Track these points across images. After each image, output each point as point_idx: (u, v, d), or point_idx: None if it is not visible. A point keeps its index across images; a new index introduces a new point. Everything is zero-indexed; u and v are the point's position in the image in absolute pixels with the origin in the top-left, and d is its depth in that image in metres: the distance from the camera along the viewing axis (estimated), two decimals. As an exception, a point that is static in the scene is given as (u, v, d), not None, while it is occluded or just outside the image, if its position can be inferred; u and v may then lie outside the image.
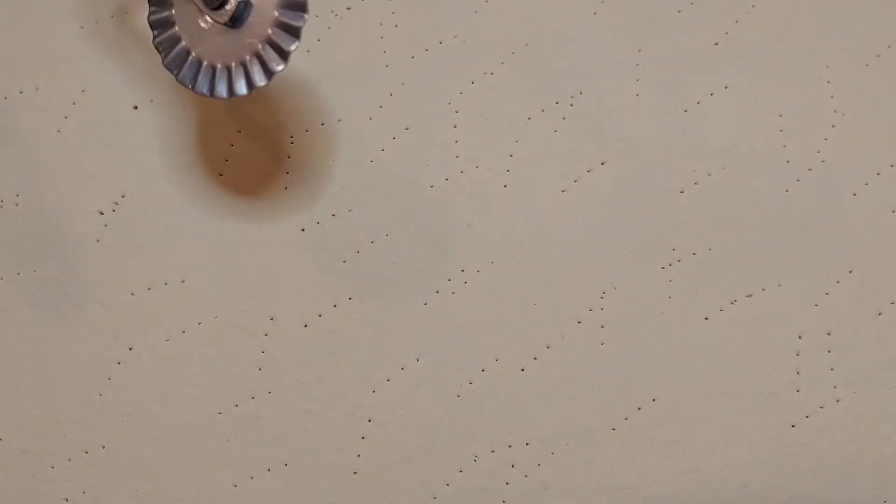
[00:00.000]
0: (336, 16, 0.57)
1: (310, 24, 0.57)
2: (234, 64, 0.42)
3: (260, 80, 0.42)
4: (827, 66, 0.56)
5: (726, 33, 0.56)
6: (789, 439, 0.50)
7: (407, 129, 0.55)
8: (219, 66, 0.42)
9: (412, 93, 0.56)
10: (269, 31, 0.42)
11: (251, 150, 0.55)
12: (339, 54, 0.57)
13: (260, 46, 0.42)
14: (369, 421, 0.51)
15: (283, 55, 0.42)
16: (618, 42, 0.56)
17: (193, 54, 0.42)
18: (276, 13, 0.42)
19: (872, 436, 0.50)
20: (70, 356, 0.52)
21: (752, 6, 0.57)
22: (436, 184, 0.54)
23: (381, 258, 0.53)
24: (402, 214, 0.54)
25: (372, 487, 0.50)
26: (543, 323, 0.52)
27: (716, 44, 0.56)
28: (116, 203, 0.54)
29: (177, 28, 0.42)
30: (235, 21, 0.42)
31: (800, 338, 0.52)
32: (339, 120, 0.56)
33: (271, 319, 0.52)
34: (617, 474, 0.50)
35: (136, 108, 0.55)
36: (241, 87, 0.42)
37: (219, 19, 0.42)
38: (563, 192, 0.54)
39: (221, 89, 0.42)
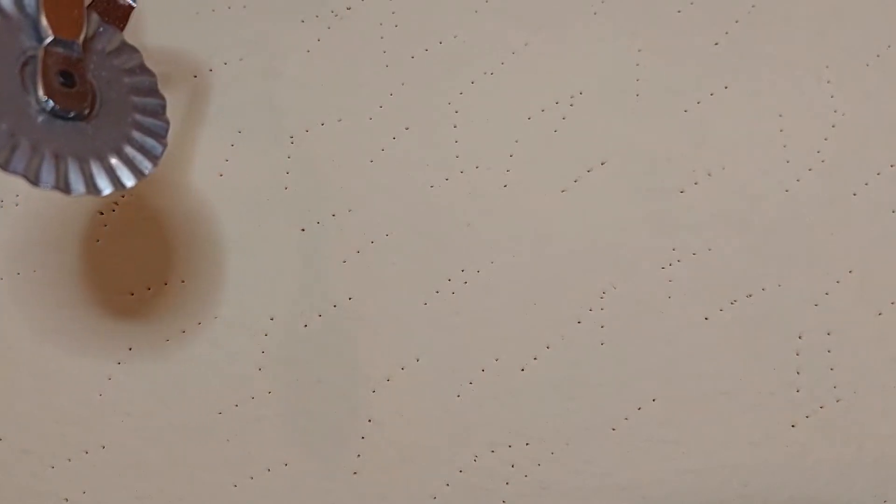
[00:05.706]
0: (336, 16, 0.57)
1: (310, 24, 0.57)
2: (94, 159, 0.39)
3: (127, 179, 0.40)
4: (827, 66, 0.56)
5: (726, 33, 0.56)
6: (789, 439, 0.50)
7: (407, 129, 0.55)
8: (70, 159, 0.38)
9: (412, 93, 0.56)
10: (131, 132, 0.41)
11: (251, 149, 0.55)
12: (339, 54, 0.57)
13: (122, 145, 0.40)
14: (369, 421, 0.51)
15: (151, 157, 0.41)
16: (618, 42, 0.56)
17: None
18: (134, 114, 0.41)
19: (872, 436, 0.50)
20: (70, 356, 0.52)
21: (752, 6, 0.57)
22: (436, 184, 0.54)
23: (381, 258, 0.53)
24: (402, 214, 0.54)
25: (372, 487, 0.50)
26: (543, 323, 0.52)
27: (716, 44, 0.56)
28: (116, 203, 0.54)
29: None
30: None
31: (800, 338, 0.52)
32: (339, 120, 0.56)
33: (271, 319, 0.52)
34: (617, 474, 0.50)
35: (136, 108, 0.55)
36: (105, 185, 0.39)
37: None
38: (563, 192, 0.54)
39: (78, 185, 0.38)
